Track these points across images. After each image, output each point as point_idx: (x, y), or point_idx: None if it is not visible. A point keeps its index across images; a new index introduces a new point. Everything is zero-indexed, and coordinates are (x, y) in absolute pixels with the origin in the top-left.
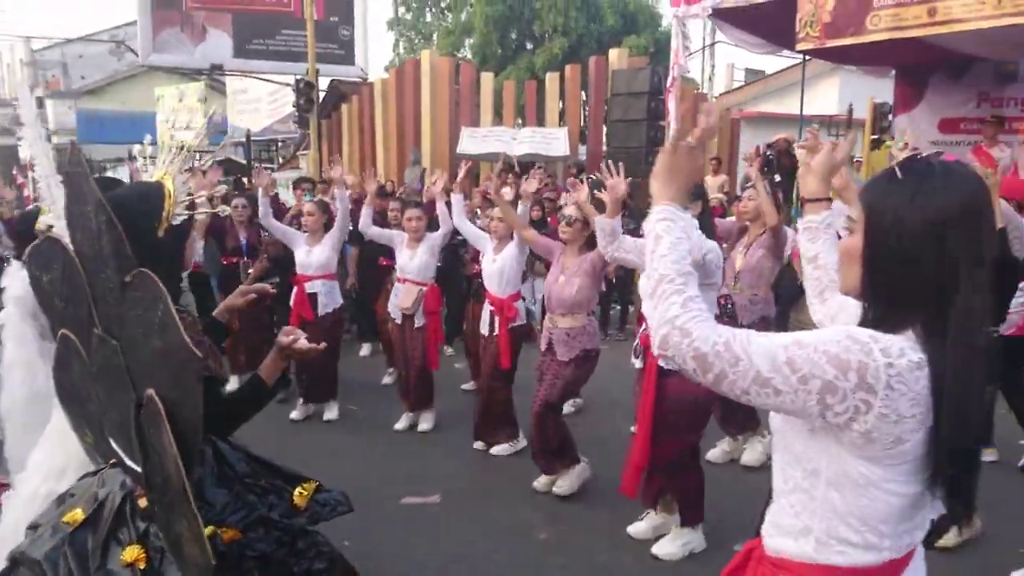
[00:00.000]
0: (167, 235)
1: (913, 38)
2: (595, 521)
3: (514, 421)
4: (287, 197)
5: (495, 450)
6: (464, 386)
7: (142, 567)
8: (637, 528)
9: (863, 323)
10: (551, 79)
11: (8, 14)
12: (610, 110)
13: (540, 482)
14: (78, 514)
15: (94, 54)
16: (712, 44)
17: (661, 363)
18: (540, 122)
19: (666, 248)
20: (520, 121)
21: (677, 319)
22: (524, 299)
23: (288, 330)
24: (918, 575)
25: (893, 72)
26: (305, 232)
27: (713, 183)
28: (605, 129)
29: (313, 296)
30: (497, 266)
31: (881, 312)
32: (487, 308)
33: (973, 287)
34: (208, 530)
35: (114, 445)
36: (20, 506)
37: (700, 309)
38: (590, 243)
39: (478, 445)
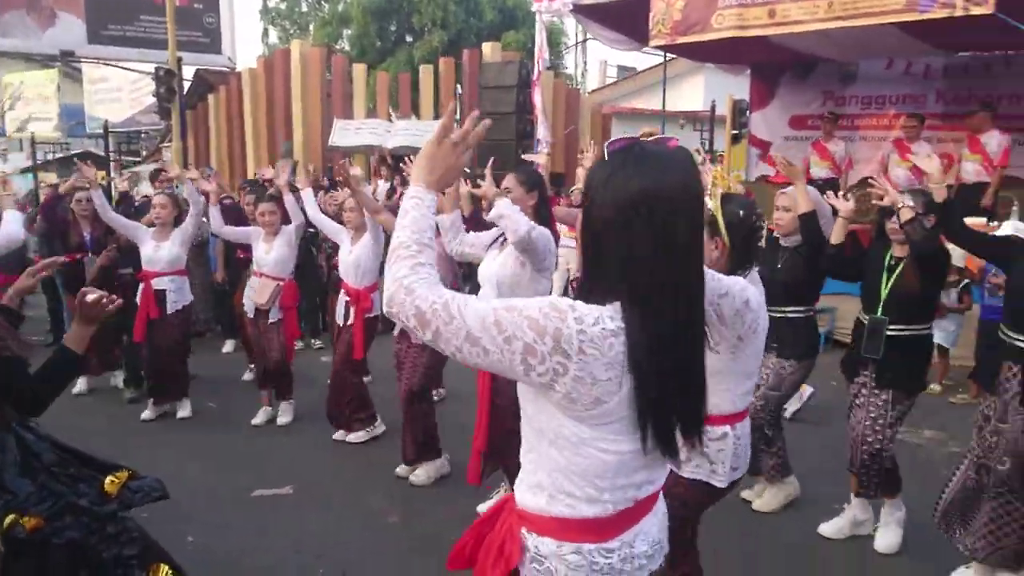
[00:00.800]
0: None
1: (762, 38)
2: (447, 503)
3: (369, 406)
4: (150, 191)
5: (352, 437)
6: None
7: None
8: (487, 506)
9: (577, 294)
10: (425, 71)
11: None
12: (481, 103)
13: (402, 468)
14: None
15: None
16: (584, 41)
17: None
18: (415, 114)
19: (409, 221)
20: (394, 113)
21: (405, 279)
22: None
23: (86, 290)
24: (652, 528)
25: (749, 71)
26: (154, 226)
27: (583, 174)
28: None
29: (161, 293)
30: (353, 257)
31: (589, 283)
32: (342, 298)
33: (663, 267)
34: (9, 519)
35: None
36: None
37: (428, 274)
38: None
39: (337, 435)
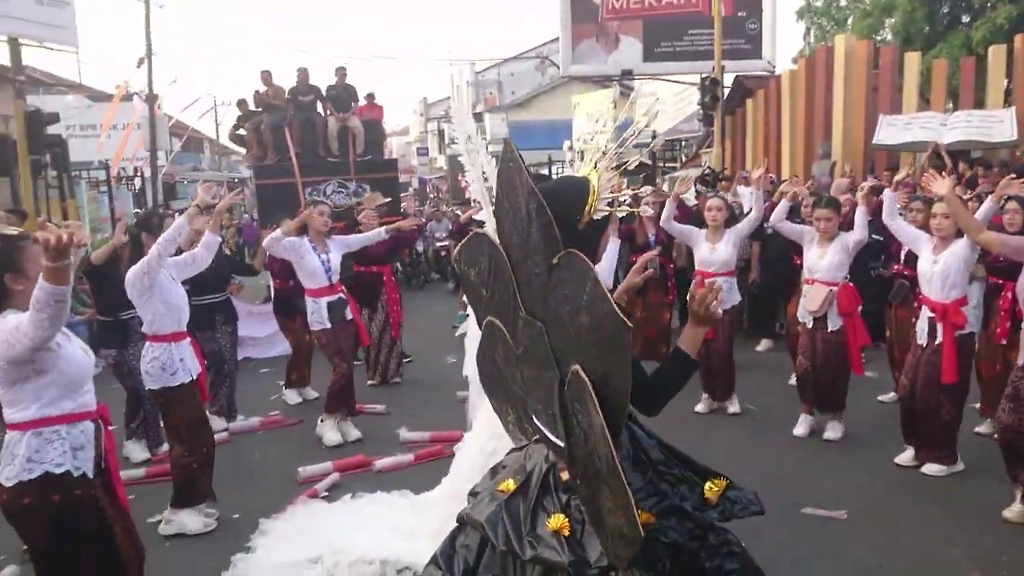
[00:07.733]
0: (586, 228)
1: None
2: None
3: (954, 442)
4: (689, 196)
5: (927, 469)
6: (881, 397)
7: (566, 534)
8: None
9: None
10: (995, 53)
11: (456, 43)
12: None
13: (1013, 511)
14: (510, 484)
15: (522, 71)
16: None
17: None
18: (979, 104)
19: None
20: (951, 105)
21: None
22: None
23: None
24: None
25: None
26: (707, 229)
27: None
28: None
29: None
30: (940, 267)
31: None
32: (925, 313)
33: None
34: None
35: (537, 422)
36: (470, 456)
37: None
38: None
39: (901, 459)
